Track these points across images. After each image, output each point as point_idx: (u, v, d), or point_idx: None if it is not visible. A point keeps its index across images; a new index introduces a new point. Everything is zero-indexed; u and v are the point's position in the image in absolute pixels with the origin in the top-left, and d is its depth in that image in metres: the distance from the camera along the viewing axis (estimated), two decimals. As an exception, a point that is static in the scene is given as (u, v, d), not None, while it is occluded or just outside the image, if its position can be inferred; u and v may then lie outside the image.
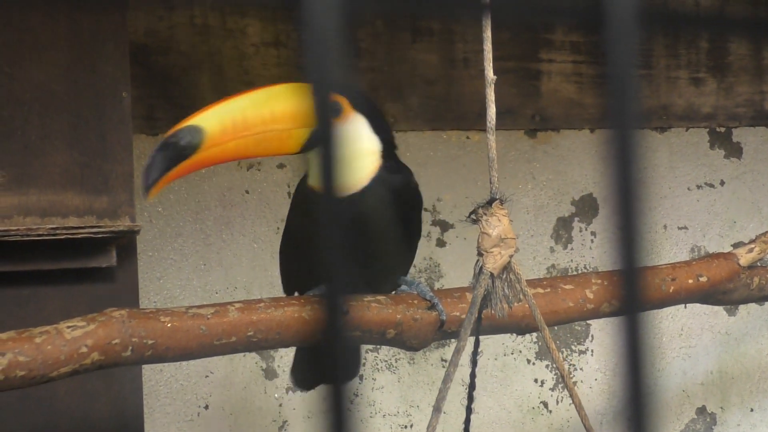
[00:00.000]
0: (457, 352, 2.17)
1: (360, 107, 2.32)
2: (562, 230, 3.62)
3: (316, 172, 2.31)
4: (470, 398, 2.29)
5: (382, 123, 2.38)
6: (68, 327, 2.07)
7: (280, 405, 3.28)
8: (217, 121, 2.22)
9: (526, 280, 2.29)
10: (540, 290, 2.49)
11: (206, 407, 3.20)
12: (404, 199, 2.38)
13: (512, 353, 3.54)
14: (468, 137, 3.51)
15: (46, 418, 2.52)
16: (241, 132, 2.24)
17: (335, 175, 0.70)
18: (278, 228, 3.16)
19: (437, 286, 3.44)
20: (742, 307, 3.76)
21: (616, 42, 0.78)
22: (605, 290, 2.55)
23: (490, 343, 3.38)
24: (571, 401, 2.30)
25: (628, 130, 0.78)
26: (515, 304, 2.24)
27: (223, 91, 3.22)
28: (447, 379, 2.15)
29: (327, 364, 0.72)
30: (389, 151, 2.36)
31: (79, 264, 2.51)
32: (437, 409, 2.14)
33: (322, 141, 0.74)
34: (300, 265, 2.46)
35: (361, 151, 2.32)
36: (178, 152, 2.17)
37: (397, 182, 2.35)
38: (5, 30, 2.48)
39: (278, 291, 3.17)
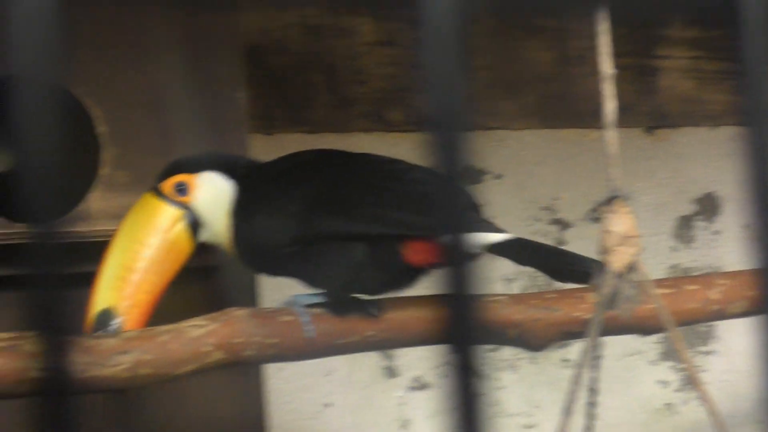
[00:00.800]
0: (585, 353, 2.12)
1: (204, 167, 2.19)
2: (684, 229, 3.55)
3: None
4: (592, 404, 2.24)
5: (235, 166, 2.22)
6: (190, 326, 2.08)
7: (402, 404, 3.27)
8: (115, 290, 2.10)
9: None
10: (663, 290, 2.43)
11: (327, 405, 3.20)
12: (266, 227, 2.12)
13: (634, 354, 3.48)
14: (584, 135, 3.47)
15: (172, 414, 2.55)
16: (141, 279, 2.12)
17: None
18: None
19: (551, 287, 3.39)
20: None
21: (748, 38, 0.74)
22: (731, 291, 2.48)
23: (612, 343, 3.32)
24: (699, 403, 2.24)
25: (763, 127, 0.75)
26: (640, 304, 2.18)
27: (337, 90, 3.23)
28: (575, 381, 2.11)
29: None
30: (245, 189, 2.17)
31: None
32: (567, 411, 2.10)
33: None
34: None
35: (221, 208, 2.16)
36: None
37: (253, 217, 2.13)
38: (122, 32, 2.51)
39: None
